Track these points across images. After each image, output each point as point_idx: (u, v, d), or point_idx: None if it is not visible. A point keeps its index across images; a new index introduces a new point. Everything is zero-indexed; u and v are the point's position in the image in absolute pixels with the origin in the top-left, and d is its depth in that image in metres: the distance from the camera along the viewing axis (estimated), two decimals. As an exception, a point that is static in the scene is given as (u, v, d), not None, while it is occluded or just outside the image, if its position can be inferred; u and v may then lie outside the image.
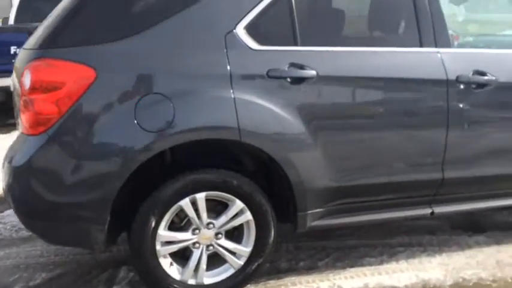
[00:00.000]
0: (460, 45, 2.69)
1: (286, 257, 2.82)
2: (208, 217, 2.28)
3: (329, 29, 2.47)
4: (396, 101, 2.46)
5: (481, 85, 2.52)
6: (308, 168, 2.32)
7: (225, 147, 2.34)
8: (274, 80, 2.22)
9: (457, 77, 2.46)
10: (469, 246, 2.93)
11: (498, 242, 2.98)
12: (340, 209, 2.52)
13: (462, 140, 2.56)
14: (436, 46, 2.47)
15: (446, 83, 2.45)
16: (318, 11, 2.47)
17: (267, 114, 2.21)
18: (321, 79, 2.27)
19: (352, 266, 2.72)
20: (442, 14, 2.49)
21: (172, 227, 2.30)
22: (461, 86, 2.47)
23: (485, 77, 2.51)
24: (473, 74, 2.50)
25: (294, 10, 2.29)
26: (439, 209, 2.66)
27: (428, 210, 2.65)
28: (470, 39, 2.99)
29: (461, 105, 2.50)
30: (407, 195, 2.61)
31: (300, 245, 2.96)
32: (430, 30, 2.46)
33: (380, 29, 2.64)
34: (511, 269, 2.68)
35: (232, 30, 2.20)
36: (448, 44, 2.50)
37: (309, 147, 2.31)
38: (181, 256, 2.34)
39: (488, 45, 2.88)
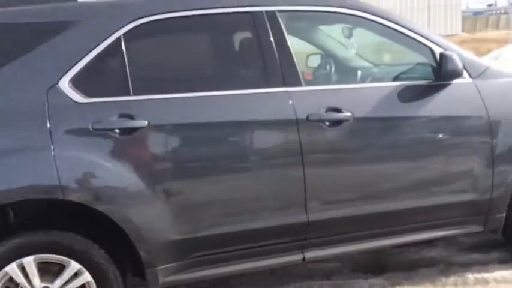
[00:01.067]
0: (313, 83, 2.60)
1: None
2: (44, 281, 2.15)
3: (165, 76, 2.39)
4: (242, 145, 2.35)
5: (337, 122, 2.42)
6: (148, 222, 2.20)
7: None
8: (101, 132, 2.14)
9: (308, 116, 2.36)
10: (362, 291, 2.77)
11: (394, 284, 2.80)
12: (200, 261, 2.38)
13: (322, 180, 2.44)
14: (284, 85, 2.39)
15: (296, 123, 2.35)
16: (152, 59, 2.41)
17: (94, 169, 2.13)
18: (154, 128, 2.19)
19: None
20: (290, 52, 2.42)
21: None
22: (314, 125, 2.37)
23: (340, 114, 2.42)
24: (326, 111, 2.41)
25: (126, 60, 2.23)
26: (311, 254, 2.51)
27: (299, 256, 2.50)
28: (326, 75, 2.90)
29: (315, 144, 2.39)
30: (274, 241, 2.46)
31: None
32: (278, 69, 2.39)
33: (222, 72, 2.54)
34: (395, 315, 2.51)
35: (54, 85, 2.14)
36: (298, 83, 2.41)
37: (146, 200, 2.20)
38: None
39: (345, 81, 2.81)
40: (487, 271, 2.85)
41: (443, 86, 2.59)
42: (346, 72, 3.00)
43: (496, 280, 2.77)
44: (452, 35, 22.63)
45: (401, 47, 2.73)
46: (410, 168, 2.58)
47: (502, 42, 17.50)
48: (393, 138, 2.53)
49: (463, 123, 2.64)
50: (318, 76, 2.82)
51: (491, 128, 2.63)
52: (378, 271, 2.98)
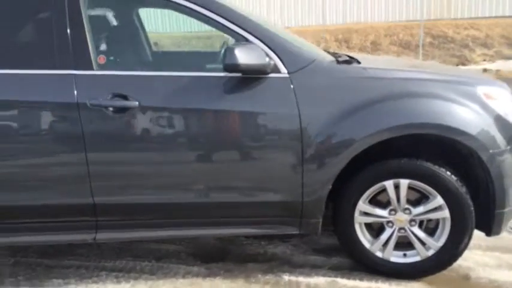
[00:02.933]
0: (105, 67, 2.56)
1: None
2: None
3: None
4: (23, 125, 2.44)
5: (122, 109, 2.42)
6: None
7: None
8: None
9: (91, 101, 2.40)
10: (174, 275, 2.77)
11: (210, 274, 2.77)
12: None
13: (106, 166, 2.48)
14: (73, 68, 2.42)
15: (78, 107, 2.39)
16: None
17: None
18: None
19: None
20: (84, 34, 2.44)
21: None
22: (96, 110, 2.40)
23: (125, 101, 2.41)
24: (112, 98, 2.42)
25: None
26: (102, 235, 2.59)
27: (92, 236, 2.59)
28: (119, 60, 2.81)
29: (98, 130, 2.43)
30: (65, 219, 2.57)
31: (20, 259, 3.03)
32: (69, 51, 2.42)
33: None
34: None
35: None
36: (88, 66, 2.43)
37: None
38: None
39: (136, 67, 2.72)
40: (308, 275, 2.72)
41: (250, 80, 2.44)
42: (145, 58, 2.92)
43: (308, 285, 2.63)
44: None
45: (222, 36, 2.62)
46: (203, 162, 2.51)
47: None
48: (185, 130, 2.47)
49: (270, 120, 2.48)
50: (113, 61, 2.78)
51: (301, 128, 2.46)
52: (212, 259, 2.98)
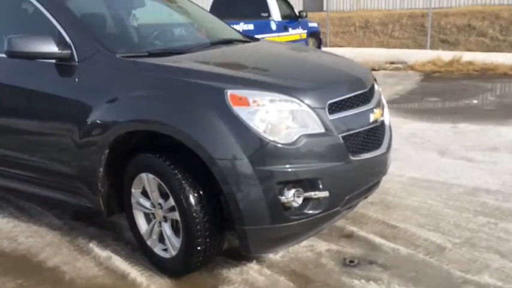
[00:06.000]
0: None
1: None
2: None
3: None
4: None
5: None
6: None
7: None
8: None
9: None
10: (41, 223, 3.38)
11: (62, 229, 3.26)
12: None
13: None
14: None
15: None
16: None
17: None
18: None
19: None
20: None
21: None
22: None
23: None
24: None
25: None
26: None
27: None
28: None
29: None
30: None
31: None
32: None
33: None
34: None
35: None
36: None
37: None
38: None
39: None
40: (106, 249, 2.97)
41: (60, 66, 2.81)
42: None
43: (94, 257, 2.91)
44: None
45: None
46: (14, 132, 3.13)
47: None
48: None
49: (59, 103, 2.81)
50: None
51: (78, 113, 2.71)
52: (87, 218, 3.42)
